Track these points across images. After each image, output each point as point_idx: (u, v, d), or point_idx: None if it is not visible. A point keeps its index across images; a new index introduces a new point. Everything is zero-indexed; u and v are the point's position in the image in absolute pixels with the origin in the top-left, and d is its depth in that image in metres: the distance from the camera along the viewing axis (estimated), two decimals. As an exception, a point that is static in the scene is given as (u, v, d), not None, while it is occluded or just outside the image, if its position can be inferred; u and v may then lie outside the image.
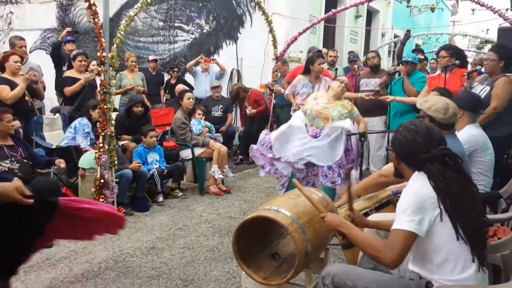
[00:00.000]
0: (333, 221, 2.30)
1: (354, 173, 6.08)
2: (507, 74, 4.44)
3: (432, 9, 11.70)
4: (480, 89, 4.41)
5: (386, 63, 12.75)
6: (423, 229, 1.99)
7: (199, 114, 6.78)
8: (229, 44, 9.57)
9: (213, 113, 8.08)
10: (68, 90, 6.33)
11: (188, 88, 7.05)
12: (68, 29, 7.86)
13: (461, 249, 2.02)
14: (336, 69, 8.08)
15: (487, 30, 11.98)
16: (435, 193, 2.02)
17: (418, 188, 2.06)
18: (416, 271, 2.16)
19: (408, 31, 7.46)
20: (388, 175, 2.94)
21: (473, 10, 10.79)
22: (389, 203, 3.19)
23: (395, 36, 13.49)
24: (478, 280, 2.05)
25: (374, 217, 2.96)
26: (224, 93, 8.71)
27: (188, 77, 9.33)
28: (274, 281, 2.50)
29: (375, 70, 6.46)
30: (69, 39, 7.51)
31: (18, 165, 4.42)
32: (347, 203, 2.60)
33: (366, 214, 3.12)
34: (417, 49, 7.34)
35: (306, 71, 6.17)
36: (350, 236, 2.21)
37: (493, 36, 8.68)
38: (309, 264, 2.58)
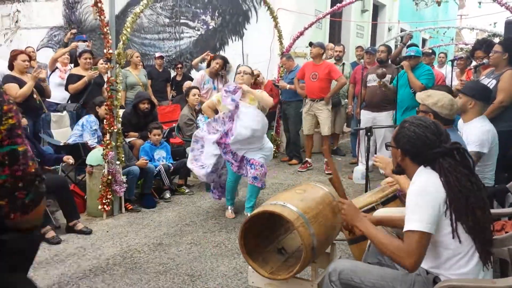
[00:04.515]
0: (349, 213, 2.27)
1: (361, 168, 6.12)
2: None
3: (439, 3, 11.60)
4: (486, 82, 4.38)
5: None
6: (435, 227, 1.99)
7: None
8: (235, 40, 9.57)
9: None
10: (72, 87, 6.38)
11: (195, 85, 7.08)
12: (73, 30, 7.94)
13: (466, 244, 2.02)
14: (344, 64, 8.07)
15: (495, 23, 11.83)
16: (443, 188, 2.01)
17: (424, 185, 2.04)
18: (423, 266, 2.15)
19: (410, 32, 7.43)
20: None
21: (479, 3, 10.67)
22: (395, 198, 3.18)
23: (402, 30, 13.43)
24: (483, 275, 2.06)
25: (380, 212, 2.96)
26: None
27: (194, 74, 9.34)
28: (281, 275, 2.51)
29: (382, 64, 6.44)
30: (84, 38, 7.63)
31: (27, 162, 4.46)
32: (337, 190, 2.50)
33: (372, 209, 3.12)
34: (412, 44, 7.28)
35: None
36: (367, 235, 2.20)
37: (501, 29, 8.60)
38: (315, 259, 2.58)
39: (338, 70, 7.22)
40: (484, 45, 5.40)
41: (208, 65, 7.52)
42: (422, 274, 2.13)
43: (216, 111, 5.01)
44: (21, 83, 5.54)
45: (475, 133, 3.46)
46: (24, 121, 5.06)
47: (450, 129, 3.02)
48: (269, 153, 5.04)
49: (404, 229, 2.01)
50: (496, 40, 6.05)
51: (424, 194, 2.01)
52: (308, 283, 2.58)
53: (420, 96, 3.18)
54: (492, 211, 2.52)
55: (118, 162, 4.99)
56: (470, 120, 3.58)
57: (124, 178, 5.02)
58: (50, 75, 7.06)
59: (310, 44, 7.07)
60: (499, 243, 2.70)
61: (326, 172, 7.02)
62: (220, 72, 7.28)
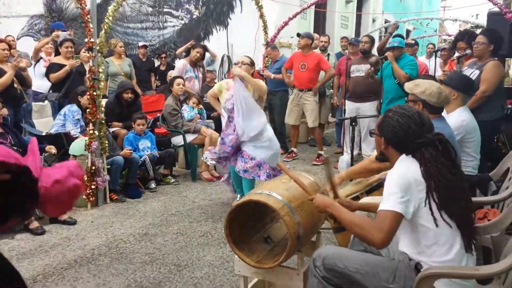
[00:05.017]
0: (321, 202, 2.32)
1: (346, 158, 6.16)
2: (495, 58, 4.46)
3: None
4: (469, 73, 4.43)
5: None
6: (410, 211, 2.01)
7: (194, 103, 6.66)
8: (219, 30, 9.51)
9: (205, 98, 8.02)
10: (53, 76, 6.27)
11: (176, 74, 7.01)
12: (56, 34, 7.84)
13: (449, 232, 2.04)
14: (329, 54, 8.07)
15: (477, 15, 11.97)
16: (422, 178, 2.03)
17: (404, 170, 2.07)
18: (405, 252, 2.18)
19: (396, 22, 7.45)
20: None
21: (463, -6, 10.78)
22: (380, 187, 3.20)
23: (386, 21, 13.48)
24: (466, 262, 2.09)
25: (364, 201, 2.99)
26: (216, 80, 8.65)
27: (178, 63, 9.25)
28: (267, 264, 2.52)
29: (366, 55, 6.45)
30: (62, 28, 7.54)
31: (8, 152, 4.39)
32: (332, 191, 2.60)
33: (357, 198, 3.14)
34: (398, 35, 7.31)
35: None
36: (338, 217, 2.22)
37: (483, 21, 8.68)
38: (301, 248, 2.60)
39: (327, 61, 7.22)
40: (466, 36, 5.45)
41: (187, 53, 7.45)
42: (405, 260, 2.16)
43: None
44: (1, 72, 5.44)
45: (452, 123, 3.53)
46: (5, 111, 4.97)
47: (439, 118, 3.05)
48: (266, 144, 4.76)
49: (378, 210, 2.05)
50: (478, 31, 6.10)
51: (402, 178, 2.03)
52: (294, 271, 2.59)
53: (408, 86, 3.20)
54: (474, 199, 2.56)
55: (101, 153, 4.95)
56: (452, 110, 3.65)
57: (106, 174, 4.97)
58: (35, 65, 6.93)
59: (298, 35, 7.04)
60: (482, 231, 2.75)
61: (313, 162, 7.05)
62: (198, 62, 7.23)
